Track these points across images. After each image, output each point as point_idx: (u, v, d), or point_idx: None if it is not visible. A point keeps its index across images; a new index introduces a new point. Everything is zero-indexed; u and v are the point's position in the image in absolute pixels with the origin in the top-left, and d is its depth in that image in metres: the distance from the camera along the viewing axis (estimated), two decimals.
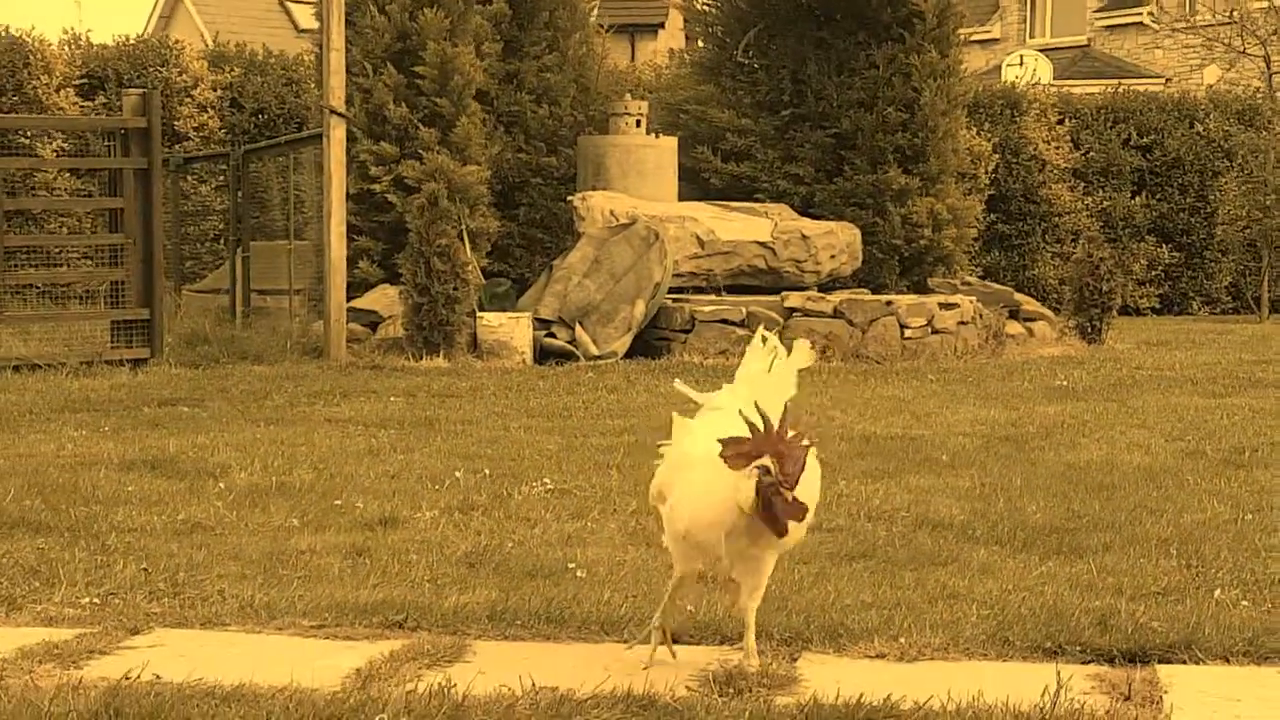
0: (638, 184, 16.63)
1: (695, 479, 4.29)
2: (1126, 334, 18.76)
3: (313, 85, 20.51)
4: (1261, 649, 4.68)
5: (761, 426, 4.10)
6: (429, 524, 6.69)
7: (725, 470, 4.13)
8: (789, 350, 4.47)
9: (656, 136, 17.25)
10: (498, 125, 17.25)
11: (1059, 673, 4.18)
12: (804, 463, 4.14)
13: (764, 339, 4.54)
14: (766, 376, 4.43)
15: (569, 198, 16.67)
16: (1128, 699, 4.24)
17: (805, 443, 4.14)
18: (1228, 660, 4.64)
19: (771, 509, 4.10)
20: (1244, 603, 5.31)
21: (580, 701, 4.06)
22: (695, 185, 17.95)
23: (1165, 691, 4.30)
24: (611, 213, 15.87)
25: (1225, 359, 15.88)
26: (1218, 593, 5.44)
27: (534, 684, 4.22)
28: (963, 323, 15.86)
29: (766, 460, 4.10)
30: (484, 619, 4.97)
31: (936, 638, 4.82)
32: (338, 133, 14.76)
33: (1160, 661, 4.62)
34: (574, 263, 15.24)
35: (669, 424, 4.51)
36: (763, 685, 4.30)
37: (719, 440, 4.14)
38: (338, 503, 7.13)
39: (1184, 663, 4.61)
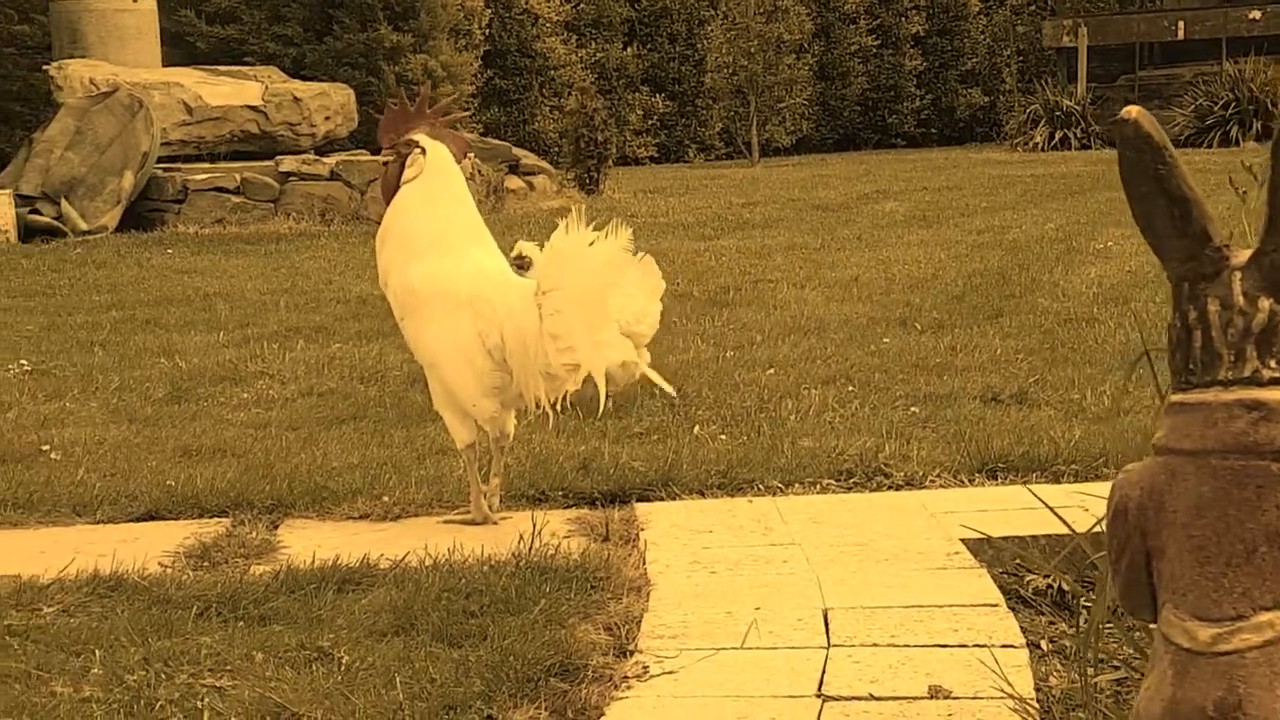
0: (118, 50, 15.95)
1: None
2: (624, 183, 19.11)
3: None
4: (735, 480, 4.83)
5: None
6: None
7: None
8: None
9: (135, 0, 16.53)
10: None
11: (534, 519, 4.21)
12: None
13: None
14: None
15: (45, 67, 15.86)
16: (606, 539, 4.31)
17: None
18: (703, 494, 4.76)
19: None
20: (722, 436, 5.46)
21: (43, 587, 3.87)
22: (181, 50, 17.35)
23: (643, 528, 4.39)
24: (91, 81, 15.18)
25: (716, 203, 16.36)
26: (697, 429, 5.59)
27: None
28: None
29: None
30: None
31: (421, 494, 4.80)
32: None
33: (639, 500, 4.71)
34: (55, 135, 14.52)
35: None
36: (240, 555, 4.20)
37: None
38: None
39: (662, 499, 4.72)
